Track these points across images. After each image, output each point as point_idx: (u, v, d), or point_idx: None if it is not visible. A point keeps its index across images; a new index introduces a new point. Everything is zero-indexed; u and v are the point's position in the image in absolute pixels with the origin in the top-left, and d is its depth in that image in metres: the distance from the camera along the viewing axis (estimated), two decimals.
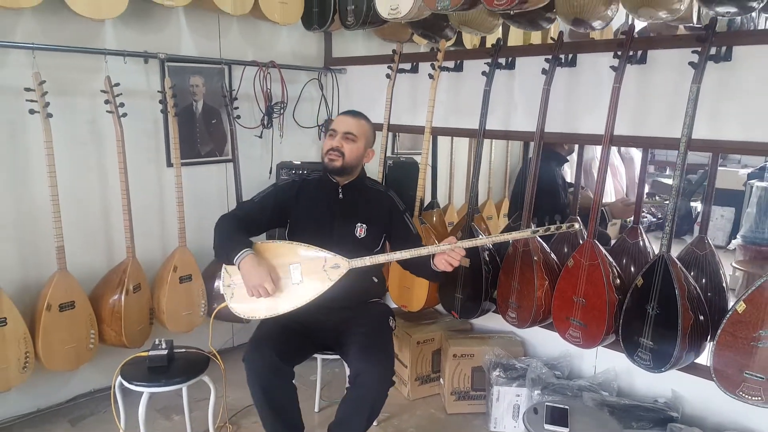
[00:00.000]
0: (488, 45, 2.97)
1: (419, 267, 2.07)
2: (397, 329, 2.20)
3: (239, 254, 1.89)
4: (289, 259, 1.95)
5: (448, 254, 1.87)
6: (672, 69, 1.94)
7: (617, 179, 4.36)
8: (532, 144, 2.22)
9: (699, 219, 2.21)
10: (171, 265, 2.59)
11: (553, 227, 1.89)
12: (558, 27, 2.77)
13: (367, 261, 1.91)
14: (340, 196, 2.12)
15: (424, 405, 2.63)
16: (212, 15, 2.73)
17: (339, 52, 3.25)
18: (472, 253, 2.35)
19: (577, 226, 1.90)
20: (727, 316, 1.78)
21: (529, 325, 2.26)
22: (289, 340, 1.98)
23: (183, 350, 2.20)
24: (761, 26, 2.55)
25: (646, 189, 4.13)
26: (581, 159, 2.73)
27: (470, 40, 3.16)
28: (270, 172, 3.09)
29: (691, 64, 1.80)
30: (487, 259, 2.40)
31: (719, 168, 3.55)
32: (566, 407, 1.89)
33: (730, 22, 2.55)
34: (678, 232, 5.07)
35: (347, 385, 1.97)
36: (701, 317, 1.90)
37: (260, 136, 3.01)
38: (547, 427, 1.79)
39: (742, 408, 1.84)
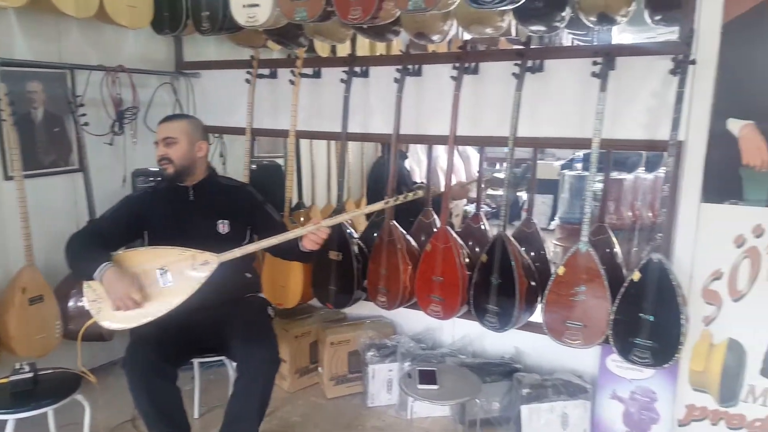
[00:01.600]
0: (339, 53, 3.19)
1: (289, 251, 2.17)
2: (274, 326, 2.28)
3: (99, 268, 1.86)
4: (155, 264, 1.96)
5: (314, 233, 2.01)
6: (499, 79, 2.32)
7: (457, 174, 4.90)
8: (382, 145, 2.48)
9: (525, 206, 2.66)
10: (18, 287, 2.38)
11: (401, 197, 2.14)
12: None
13: (237, 252, 1.98)
14: (191, 198, 2.18)
15: (304, 395, 2.77)
16: (49, 17, 2.56)
17: (191, 56, 3.22)
18: (343, 246, 2.56)
19: (420, 192, 2.18)
20: (552, 278, 2.21)
21: (396, 306, 2.52)
22: (168, 341, 1.98)
23: (50, 371, 2.06)
24: (566, 43, 3.09)
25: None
26: (431, 157, 3.07)
27: (321, 47, 3.34)
28: (124, 181, 2.96)
29: (513, 74, 2.19)
30: (357, 251, 2.61)
31: (538, 161, 4.19)
32: (434, 369, 2.18)
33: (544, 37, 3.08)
34: (508, 218, 5.83)
35: (231, 386, 2.02)
36: (533, 283, 2.32)
37: (111, 144, 2.87)
38: (420, 386, 2.06)
39: (569, 352, 2.28)
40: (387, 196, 2.29)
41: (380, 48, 3.49)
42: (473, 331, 2.59)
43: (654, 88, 2.09)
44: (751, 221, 2.08)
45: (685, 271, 2.18)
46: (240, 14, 2.52)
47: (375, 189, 2.60)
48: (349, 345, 2.69)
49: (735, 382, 2.20)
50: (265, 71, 2.84)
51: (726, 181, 2.09)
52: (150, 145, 3.11)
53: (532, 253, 2.57)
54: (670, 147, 1.98)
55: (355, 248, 2.58)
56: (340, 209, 2.62)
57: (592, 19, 2.35)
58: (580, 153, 4.64)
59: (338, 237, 2.54)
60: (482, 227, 2.82)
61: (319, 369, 2.78)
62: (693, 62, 1.97)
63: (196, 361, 2.39)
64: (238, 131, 2.88)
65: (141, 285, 1.90)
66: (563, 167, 5.22)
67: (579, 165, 4.52)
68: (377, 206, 2.18)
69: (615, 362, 2.31)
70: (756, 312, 2.12)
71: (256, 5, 2.43)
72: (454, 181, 4.07)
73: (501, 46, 3.29)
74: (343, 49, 3.11)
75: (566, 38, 3.29)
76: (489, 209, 5.47)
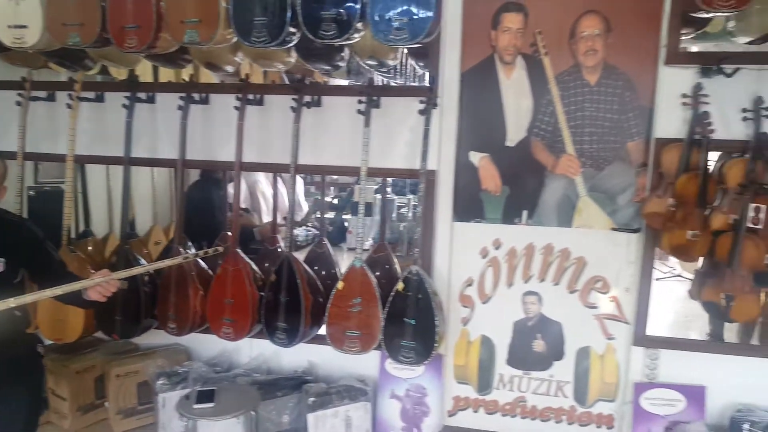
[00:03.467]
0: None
1: (71, 298, 2.05)
2: (52, 362, 2.15)
3: None
4: None
5: (102, 285, 1.92)
6: (281, 111, 2.49)
7: (279, 200, 5.01)
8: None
9: (350, 228, 2.86)
10: None
11: (201, 252, 2.21)
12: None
13: (12, 303, 1.82)
14: None
15: None
16: None
17: None
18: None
19: (221, 249, 2.27)
20: (333, 293, 2.41)
21: (188, 332, 2.52)
22: None
23: None
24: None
25: (307, 206, 4.86)
26: (239, 184, 3.11)
27: (117, 71, 3.23)
28: None
29: (291, 108, 2.39)
30: (146, 279, 2.56)
31: (359, 186, 4.43)
32: (214, 388, 2.24)
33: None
34: (335, 239, 6.08)
35: None
36: (320, 299, 2.50)
37: None
38: (195, 406, 2.11)
39: (354, 359, 2.49)
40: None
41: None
42: (269, 349, 2.69)
43: (412, 124, 2.43)
44: (492, 236, 2.51)
45: (444, 280, 2.54)
46: (5, 35, 2.36)
47: (190, 216, 2.59)
48: (137, 376, 2.61)
49: (489, 373, 2.61)
50: (42, 93, 2.68)
51: (471, 203, 2.50)
52: None
53: (323, 272, 2.76)
54: (420, 175, 2.32)
55: (144, 276, 2.54)
56: (125, 238, 2.56)
57: (369, 62, 2.66)
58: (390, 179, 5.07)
59: (123, 264, 2.47)
60: (326, 252, 2.88)
61: (106, 404, 2.64)
62: (435, 105, 2.35)
63: None
64: (10, 156, 2.66)
65: None
66: (376, 191, 5.62)
67: (389, 189, 4.92)
68: (171, 262, 2.20)
69: (392, 364, 2.58)
70: (499, 311, 2.54)
71: (24, 26, 2.31)
72: (268, 206, 4.16)
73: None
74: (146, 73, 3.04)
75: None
76: (317, 232, 5.66)
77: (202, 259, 2.57)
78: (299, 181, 4.66)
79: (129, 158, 2.52)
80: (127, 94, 2.51)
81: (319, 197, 5.21)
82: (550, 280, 2.48)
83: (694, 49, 2.79)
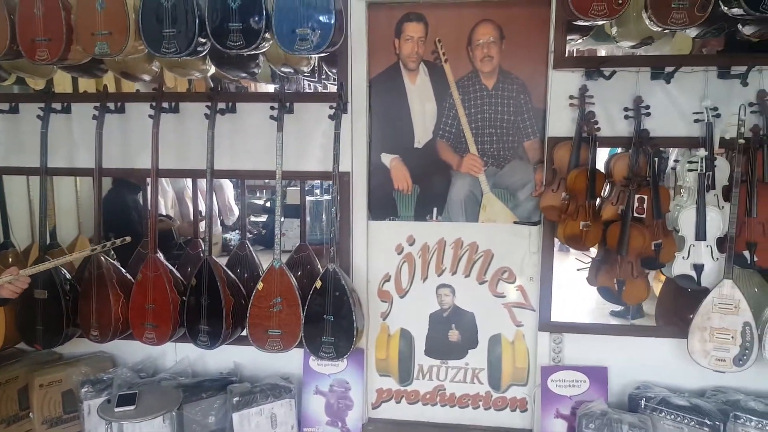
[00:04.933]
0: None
1: None
2: None
3: None
4: None
5: (12, 283, 2.03)
6: (196, 117, 2.55)
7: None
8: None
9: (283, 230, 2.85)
10: None
11: (108, 243, 2.25)
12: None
13: None
14: None
15: None
16: None
17: None
18: (50, 284, 2.51)
19: (128, 238, 2.31)
20: (253, 294, 2.48)
21: (110, 338, 2.54)
22: None
23: None
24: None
25: (237, 210, 4.88)
26: (156, 190, 3.15)
27: (34, 81, 3.21)
28: None
29: (205, 114, 2.45)
30: (67, 288, 2.58)
31: (289, 188, 4.51)
32: (136, 392, 2.28)
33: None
34: (269, 242, 6.08)
35: None
36: (242, 300, 2.56)
37: None
38: (117, 409, 2.15)
39: (278, 358, 2.57)
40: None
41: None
42: (194, 353, 2.74)
43: (324, 129, 2.53)
44: (405, 233, 2.64)
45: (363, 277, 2.65)
46: None
47: (108, 223, 2.62)
48: (62, 385, 2.62)
49: (408, 364, 2.73)
50: None
51: (384, 202, 2.62)
52: None
53: (245, 274, 2.83)
54: (333, 177, 2.42)
55: (65, 284, 2.55)
56: (44, 248, 2.57)
57: (283, 69, 2.75)
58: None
59: (42, 274, 2.48)
60: (248, 255, 2.91)
61: (30, 414, 2.64)
62: (345, 110, 2.46)
63: None
64: None
65: None
66: (306, 193, 5.69)
67: (318, 191, 5.00)
68: (83, 253, 2.24)
69: (315, 361, 2.68)
70: (416, 304, 2.68)
71: None
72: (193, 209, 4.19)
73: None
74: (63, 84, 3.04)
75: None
76: (251, 236, 5.70)
77: (122, 266, 2.61)
78: (229, 185, 4.69)
79: (45, 168, 2.53)
80: (42, 104, 2.52)
81: (246, 200, 5.26)
82: (461, 273, 2.63)
83: (602, 51, 3.00)
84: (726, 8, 2.07)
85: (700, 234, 2.28)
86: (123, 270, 2.62)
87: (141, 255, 2.82)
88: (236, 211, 4.58)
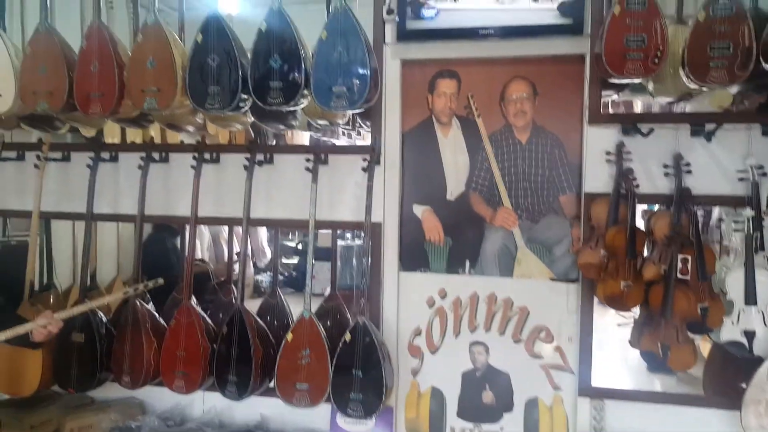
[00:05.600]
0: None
1: (18, 340, 2.16)
2: (7, 417, 2.18)
3: None
4: None
5: (46, 327, 2.09)
6: (236, 168, 2.62)
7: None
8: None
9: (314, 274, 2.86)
10: None
11: (141, 286, 2.30)
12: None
13: None
14: None
15: None
16: None
17: None
18: (87, 327, 2.57)
19: (161, 280, 2.37)
20: (282, 345, 2.47)
21: (141, 384, 2.56)
22: None
23: None
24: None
25: (270, 252, 4.94)
26: (194, 237, 3.23)
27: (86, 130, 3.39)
28: None
29: (244, 166, 2.53)
30: (103, 332, 2.63)
31: (321, 231, 4.54)
32: None
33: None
34: (300, 285, 6.06)
35: None
36: (271, 350, 2.55)
37: None
38: None
39: (306, 413, 2.52)
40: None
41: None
42: (221, 402, 2.70)
43: (357, 179, 2.56)
44: (437, 285, 2.59)
45: (393, 330, 2.60)
46: None
47: (147, 266, 2.72)
48: (92, 430, 2.63)
49: (440, 425, 2.62)
50: (13, 154, 2.84)
51: (416, 253, 2.60)
52: None
53: (275, 323, 2.82)
54: (365, 228, 2.43)
55: (101, 328, 2.60)
56: (83, 290, 2.65)
57: (320, 122, 2.83)
58: None
59: (81, 317, 2.54)
60: (279, 301, 2.91)
61: None
62: (378, 162, 2.49)
63: None
64: None
65: None
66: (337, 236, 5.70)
67: (349, 235, 4.98)
68: (117, 296, 2.30)
69: (342, 418, 2.60)
70: (448, 362, 2.59)
71: None
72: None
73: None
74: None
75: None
76: (282, 277, 5.71)
77: (157, 311, 2.65)
78: (262, 228, 4.76)
79: (91, 214, 2.64)
80: (91, 154, 2.66)
81: (278, 246, 5.30)
82: (495, 330, 2.54)
83: (638, 102, 2.98)
84: (767, 66, 2.03)
85: (750, 298, 2.15)
86: (157, 315, 2.66)
87: (176, 300, 2.86)
88: (269, 254, 4.63)
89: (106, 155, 2.73)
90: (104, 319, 2.66)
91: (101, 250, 3.16)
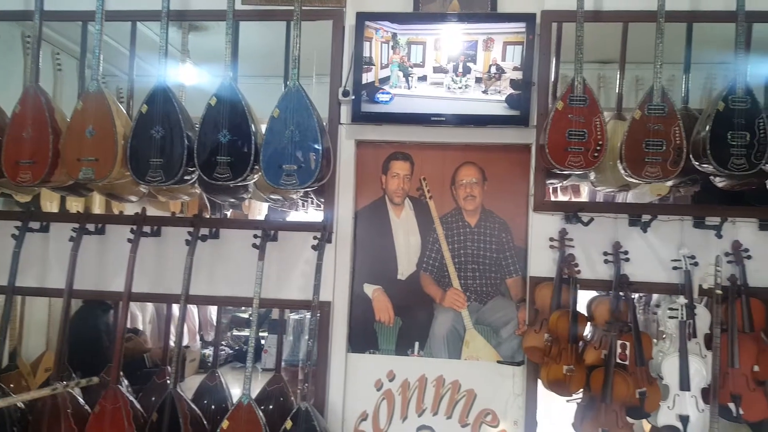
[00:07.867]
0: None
1: None
2: None
3: None
4: None
5: None
6: (178, 242, 2.50)
7: (189, 321, 4.79)
8: None
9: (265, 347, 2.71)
10: None
11: (73, 383, 2.12)
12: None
13: None
14: None
15: None
16: None
17: None
18: None
19: (96, 379, 2.18)
20: None
21: None
22: None
23: None
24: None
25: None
26: (125, 316, 3.01)
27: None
28: None
29: (186, 241, 2.42)
30: (18, 416, 2.38)
31: None
32: None
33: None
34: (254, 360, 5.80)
35: None
36: None
37: None
38: None
39: None
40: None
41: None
42: None
43: (307, 257, 2.51)
44: (386, 367, 2.53)
45: (338, 415, 2.50)
46: None
47: (76, 343, 2.49)
48: None
49: None
50: None
51: (365, 334, 2.54)
52: None
53: (213, 406, 2.65)
54: (312, 308, 2.36)
55: (14, 414, 2.35)
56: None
57: (272, 197, 2.78)
58: None
59: None
60: (218, 383, 2.72)
61: None
62: (329, 241, 2.45)
63: None
64: None
65: None
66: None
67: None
68: (44, 392, 2.10)
69: None
70: None
71: None
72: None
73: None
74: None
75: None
76: (233, 351, 5.42)
77: (81, 395, 2.43)
78: None
79: (12, 288, 2.43)
80: (18, 224, 2.48)
81: (220, 324, 5.07)
82: (442, 414, 2.49)
83: (584, 187, 3.10)
84: (697, 164, 2.18)
85: (684, 384, 2.23)
86: (80, 400, 2.44)
87: (104, 381, 2.65)
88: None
89: (36, 225, 2.55)
90: (20, 404, 2.41)
91: (30, 322, 2.89)
